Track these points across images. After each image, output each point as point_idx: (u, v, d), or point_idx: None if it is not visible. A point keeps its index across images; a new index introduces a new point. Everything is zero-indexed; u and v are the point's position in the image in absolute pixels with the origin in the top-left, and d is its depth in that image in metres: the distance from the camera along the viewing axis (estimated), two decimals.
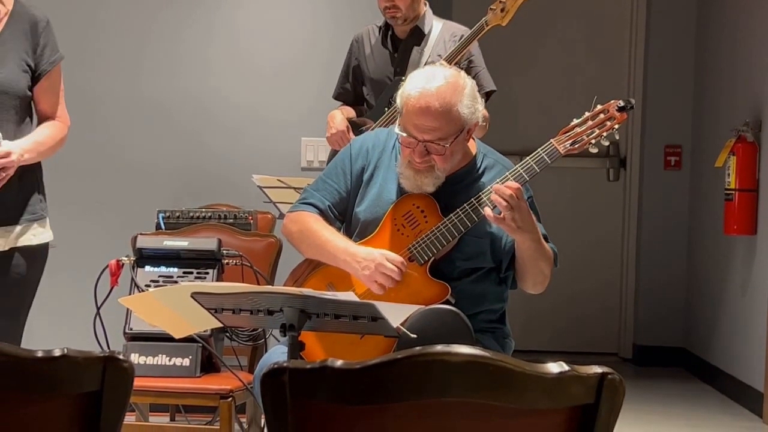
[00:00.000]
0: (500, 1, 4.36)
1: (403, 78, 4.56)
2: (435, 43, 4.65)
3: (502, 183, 3.17)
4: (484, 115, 4.49)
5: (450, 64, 4.17)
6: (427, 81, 3.16)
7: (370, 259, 3.19)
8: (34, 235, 3.55)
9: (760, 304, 5.95)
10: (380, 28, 4.77)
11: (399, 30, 4.71)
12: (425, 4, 4.72)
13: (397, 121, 3.26)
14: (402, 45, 4.70)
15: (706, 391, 6.70)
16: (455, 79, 3.19)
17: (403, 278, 3.20)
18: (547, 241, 3.29)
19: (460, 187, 3.28)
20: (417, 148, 3.18)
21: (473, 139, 3.35)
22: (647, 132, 7.56)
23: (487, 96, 4.57)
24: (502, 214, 3.09)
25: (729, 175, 6.17)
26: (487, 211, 3.12)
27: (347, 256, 3.23)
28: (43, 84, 3.53)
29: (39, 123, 3.59)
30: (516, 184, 3.12)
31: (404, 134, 3.19)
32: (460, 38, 4.57)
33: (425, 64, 4.55)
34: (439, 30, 4.67)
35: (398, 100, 3.24)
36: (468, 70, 4.46)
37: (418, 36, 4.68)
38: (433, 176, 3.22)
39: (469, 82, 3.23)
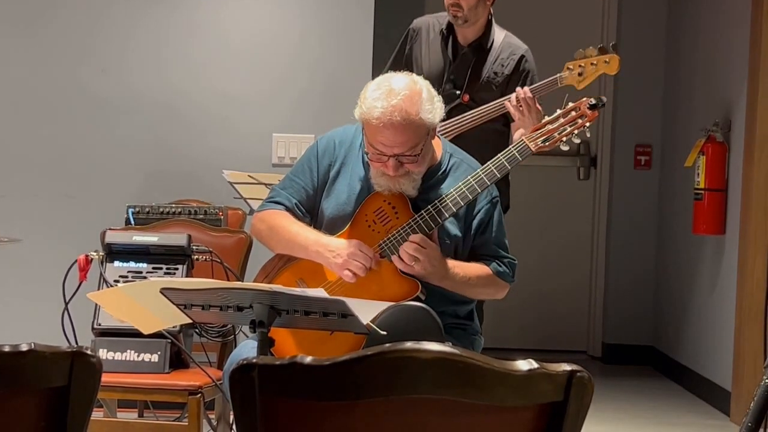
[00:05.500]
0: (579, 65, 4.35)
1: (458, 92, 4.57)
2: (493, 59, 4.63)
3: (466, 187, 3.23)
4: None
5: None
6: (387, 97, 3.13)
7: (342, 247, 3.20)
8: None
9: (727, 304, 5.99)
10: (442, 30, 4.70)
11: (460, 35, 4.66)
12: (491, 15, 4.67)
13: (362, 137, 3.25)
14: (461, 56, 4.66)
15: (674, 389, 6.74)
16: (410, 88, 3.17)
17: (374, 275, 3.20)
18: (505, 252, 3.33)
19: (428, 185, 3.29)
20: (389, 163, 3.18)
21: (438, 137, 3.36)
22: (618, 131, 7.59)
23: None
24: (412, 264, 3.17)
25: (698, 174, 6.20)
26: (396, 259, 3.19)
27: (318, 247, 3.24)
28: None
29: None
30: (418, 236, 3.18)
31: (372, 151, 3.18)
32: (519, 58, 4.60)
33: (484, 80, 4.56)
34: (499, 43, 4.64)
35: (358, 116, 3.22)
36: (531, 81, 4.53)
37: (479, 50, 4.65)
38: (411, 180, 3.24)
39: (422, 85, 3.22)
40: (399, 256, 3.19)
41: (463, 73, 4.60)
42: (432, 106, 3.18)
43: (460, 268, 3.25)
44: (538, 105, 4.32)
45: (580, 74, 4.34)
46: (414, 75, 3.27)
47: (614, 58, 4.33)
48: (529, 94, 4.29)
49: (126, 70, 5.67)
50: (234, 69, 5.72)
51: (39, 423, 1.80)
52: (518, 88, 4.36)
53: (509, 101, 4.33)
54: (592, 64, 4.34)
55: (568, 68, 4.37)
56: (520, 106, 4.28)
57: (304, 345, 3.17)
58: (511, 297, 3.52)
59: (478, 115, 4.45)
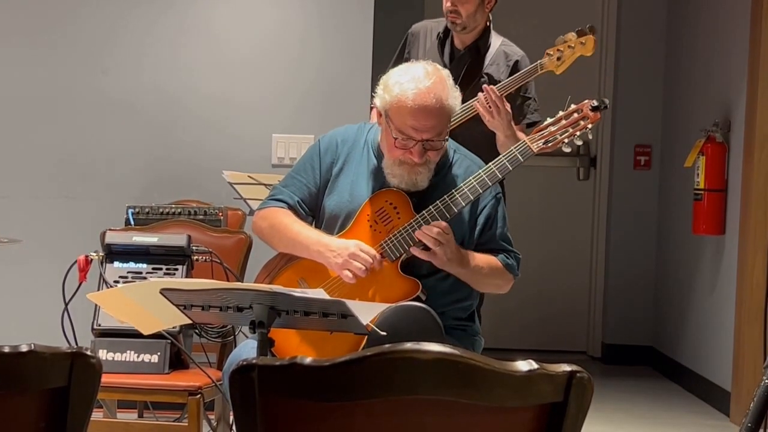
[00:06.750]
0: (558, 50, 4.35)
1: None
2: (489, 62, 4.62)
3: (467, 188, 3.23)
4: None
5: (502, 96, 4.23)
6: (418, 81, 3.18)
7: (343, 248, 3.20)
8: None
9: (727, 304, 5.99)
10: (439, 34, 4.70)
11: (458, 40, 4.66)
12: (489, 21, 4.67)
13: (385, 124, 3.24)
14: (457, 59, 4.65)
15: (673, 389, 6.74)
16: (437, 73, 3.23)
17: (375, 274, 3.20)
18: (510, 247, 3.34)
19: (432, 182, 3.29)
20: (415, 148, 3.19)
21: None
22: (617, 131, 7.59)
23: (528, 126, 4.54)
24: (432, 251, 3.17)
25: (698, 175, 6.20)
26: (415, 249, 3.20)
27: (320, 247, 3.24)
28: None
29: None
30: (444, 223, 3.19)
31: (401, 137, 3.19)
32: (514, 63, 4.59)
33: (479, 82, 4.55)
34: (495, 49, 4.64)
35: (384, 103, 3.21)
36: (523, 99, 4.51)
37: (475, 53, 4.64)
38: (427, 170, 3.26)
39: (445, 72, 3.25)
40: (416, 245, 3.20)
41: (458, 74, 4.60)
42: (455, 93, 3.24)
43: (473, 256, 3.28)
44: (507, 107, 4.28)
45: (558, 59, 4.34)
46: (436, 63, 3.31)
47: (590, 38, 4.32)
48: (497, 93, 4.25)
49: (126, 71, 5.67)
50: (234, 70, 5.72)
51: (39, 424, 1.79)
52: (485, 86, 4.33)
53: (478, 101, 4.29)
54: (569, 47, 4.34)
55: (547, 54, 4.36)
56: (490, 106, 4.24)
57: (306, 343, 3.17)
58: (511, 297, 3.53)
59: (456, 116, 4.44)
